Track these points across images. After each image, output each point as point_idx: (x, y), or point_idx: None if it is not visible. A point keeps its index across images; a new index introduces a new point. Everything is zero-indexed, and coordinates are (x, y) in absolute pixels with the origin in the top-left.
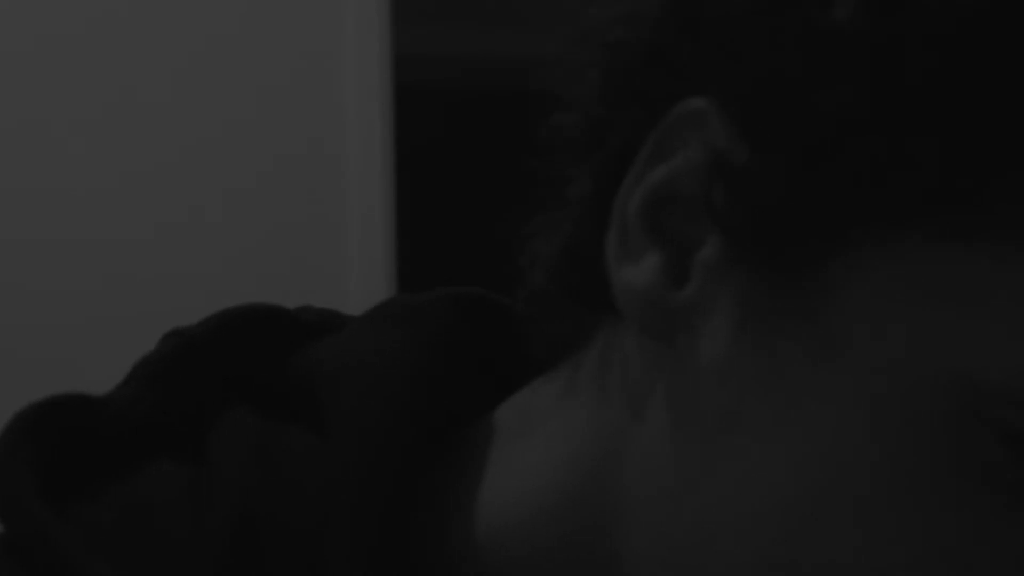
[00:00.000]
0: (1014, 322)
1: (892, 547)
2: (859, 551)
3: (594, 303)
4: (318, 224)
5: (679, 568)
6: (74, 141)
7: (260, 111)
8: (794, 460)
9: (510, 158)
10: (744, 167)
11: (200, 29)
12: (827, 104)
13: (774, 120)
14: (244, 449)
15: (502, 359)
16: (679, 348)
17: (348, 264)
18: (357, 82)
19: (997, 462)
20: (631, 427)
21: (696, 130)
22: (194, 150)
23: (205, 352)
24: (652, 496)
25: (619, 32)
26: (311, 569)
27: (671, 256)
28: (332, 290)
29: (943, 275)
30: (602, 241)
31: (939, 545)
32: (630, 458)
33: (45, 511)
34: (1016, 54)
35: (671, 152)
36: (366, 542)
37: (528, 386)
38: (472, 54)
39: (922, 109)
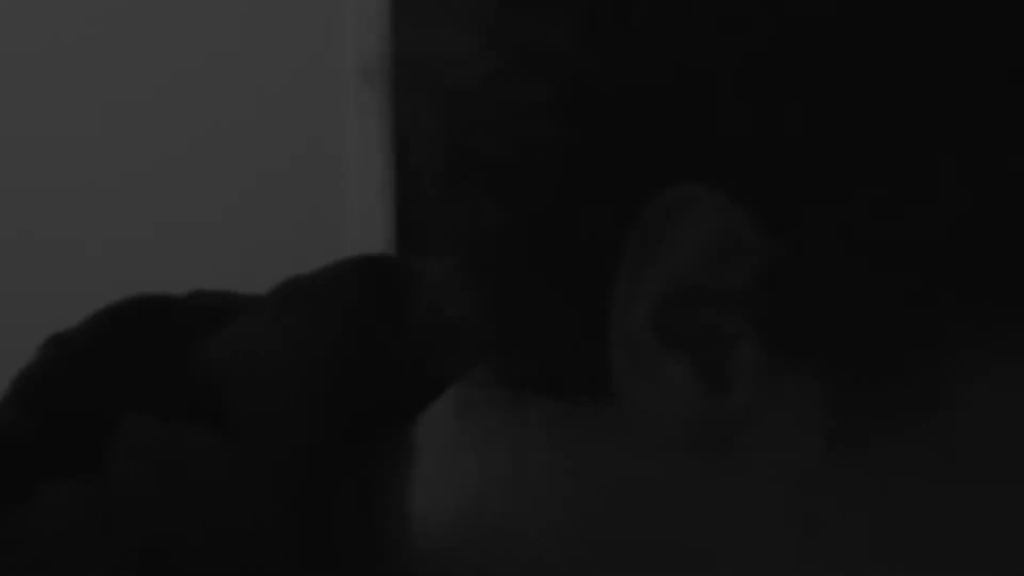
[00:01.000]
0: None
1: None
2: None
3: (533, 390)
4: (318, 224)
5: None
6: (73, 140)
7: (260, 111)
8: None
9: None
10: (769, 257)
11: (200, 29)
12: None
13: (801, 198)
14: (143, 462)
15: (413, 336)
16: (734, 459)
17: None
18: (357, 82)
19: None
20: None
21: (688, 220)
22: (194, 150)
23: (91, 358)
24: None
25: (537, 120)
26: None
27: (699, 363)
28: None
29: None
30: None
31: None
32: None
33: None
34: None
35: (664, 247)
36: (283, 554)
37: (446, 405)
38: None
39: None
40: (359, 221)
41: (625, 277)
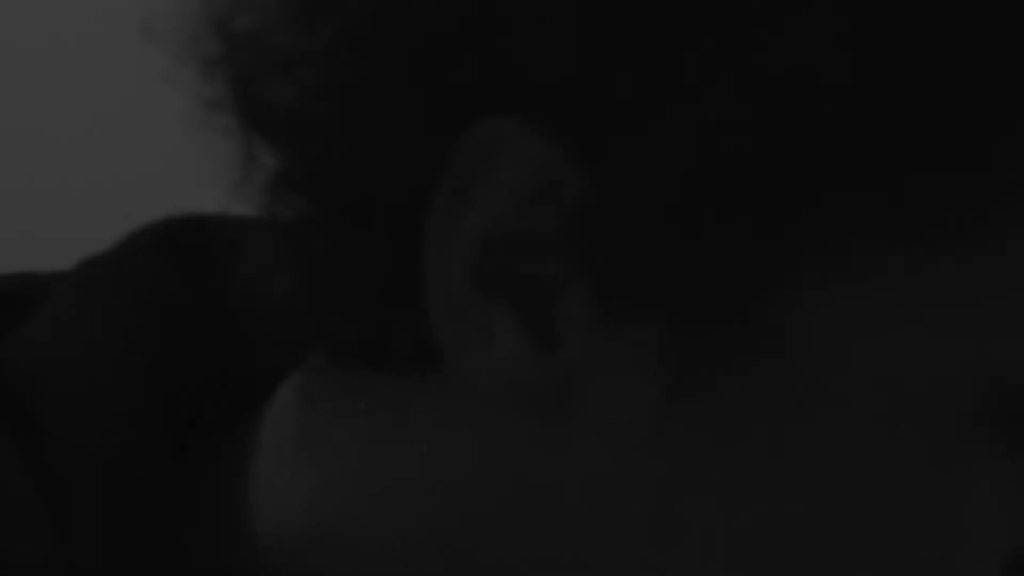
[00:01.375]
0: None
1: (912, 544)
2: (867, 558)
3: (361, 361)
4: None
5: None
6: (73, 140)
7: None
8: (795, 496)
9: None
10: (588, 199)
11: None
12: (704, 113)
13: (619, 132)
14: None
15: (217, 321)
16: (572, 420)
17: None
18: None
19: (1000, 458)
20: (508, 501)
21: (499, 158)
22: (193, 150)
23: None
24: None
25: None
26: None
27: (524, 316)
28: None
29: (939, 284)
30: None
31: (941, 533)
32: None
33: None
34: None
35: (473, 192)
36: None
37: (286, 396)
38: None
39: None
40: None
41: (436, 225)
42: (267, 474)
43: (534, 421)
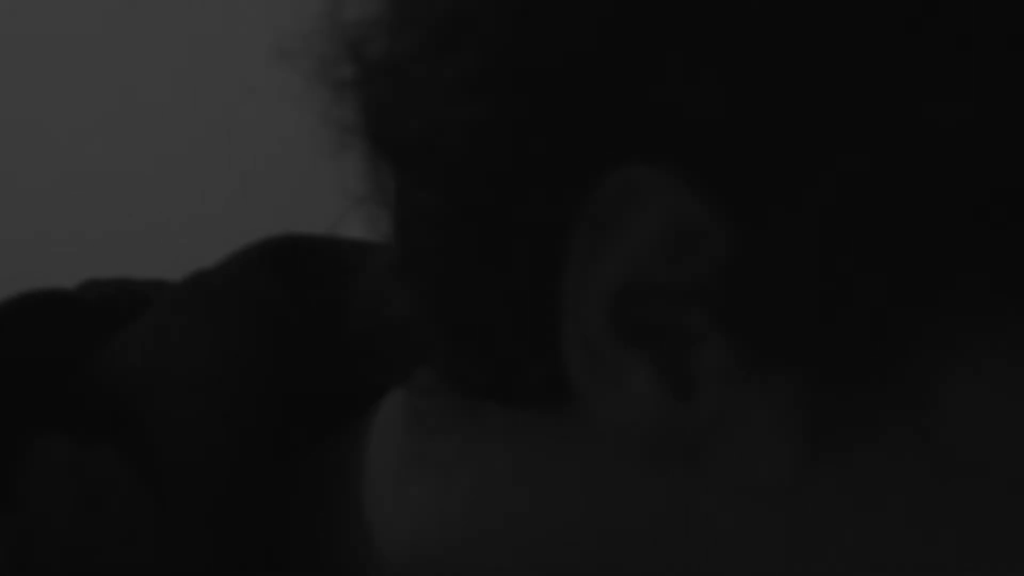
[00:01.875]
0: None
1: None
2: None
3: (485, 395)
4: (318, 224)
5: None
6: (72, 138)
7: (260, 111)
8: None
9: None
10: (731, 252)
11: (200, 29)
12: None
13: (768, 187)
14: (62, 493)
15: (329, 325)
16: (698, 469)
17: None
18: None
19: None
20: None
21: (640, 206)
22: (193, 150)
23: None
24: None
25: (470, 98)
26: None
27: (662, 364)
28: None
29: None
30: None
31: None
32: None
33: None
34: None
35: (613, 240)
36: None
37: (392, 413)
38: None
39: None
40: (359, 221)
41: (575, 271)
42: (373, 492)
43: (657, 468)
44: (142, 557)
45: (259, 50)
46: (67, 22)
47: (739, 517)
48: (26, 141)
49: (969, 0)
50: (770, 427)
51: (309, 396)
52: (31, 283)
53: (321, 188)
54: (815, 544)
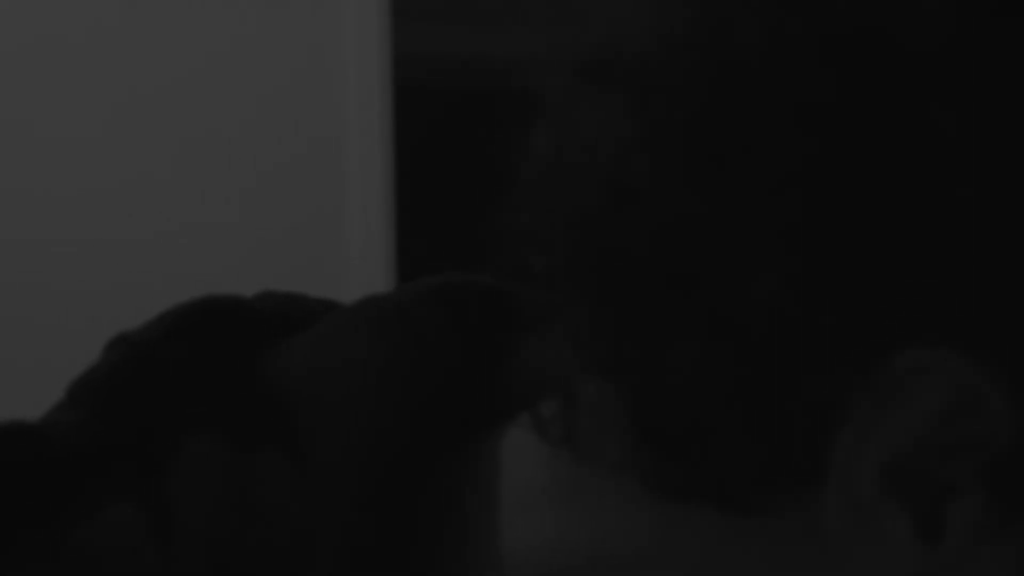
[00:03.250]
0: None
1: None
2: None
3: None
4: (318, 224)
5: None
6: (73, 141)
7: (260, 111)
8: None
9: (509, 158)
10: (1011, 418)
11: (200, 29)
12: None
13: None
14: (211, 494)
15: (484, 366)
16: None
17: (348, 264)
18: (357, 82)
19: None
20: None
21: (930, 381)
22: (194, 150)
23: (160, 361)
24: None
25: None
26: None
27: (917, 513)
28: (332, 290)
29: None
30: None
31: None
32: None
33: None
34: None
35: (900, 409)
36: None
37: (533, 437)
38: (472, 54)
39: None
40: (359, 221)
41: (852, 431)
42: (514, 520)
43: None
44: (280, 566)
45: (260, 52)
46: (68, 25)
47: None
48: (26, 142)
49: None
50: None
51: (451, 425)
52: (31, 283)
53: (321, 190)
54: None
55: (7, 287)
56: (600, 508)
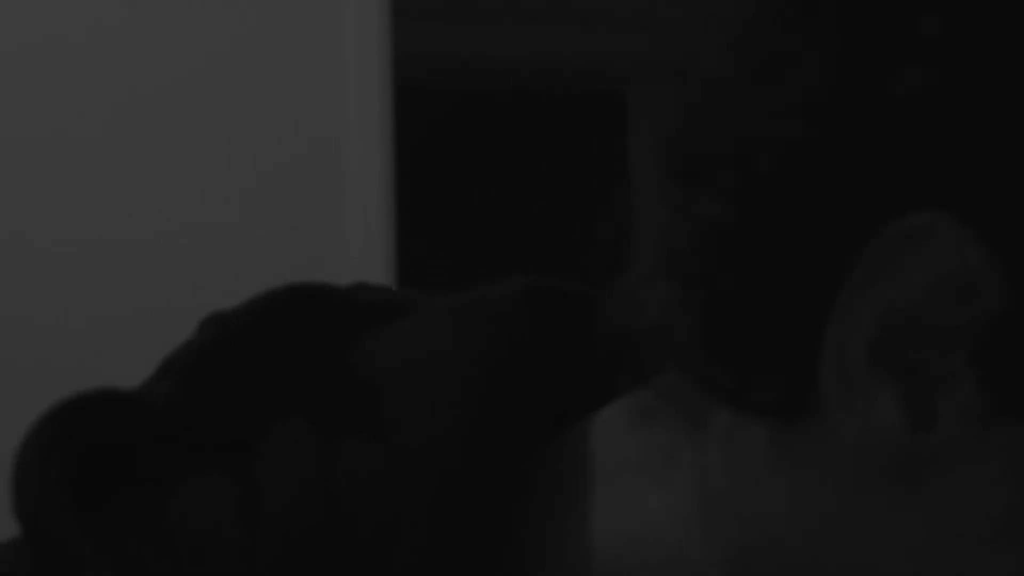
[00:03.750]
0: None
1: None
2: None
3: (729, 399)
4: (318, 224)
5: None
6: (73, 141)
7: (260, 111)
8: None
9: (510, 158)
10: (1006, 300)
11: (200, 29)
12: None
13: None
14: (298, 475)
15: (569, 364)
16: (921, 492)
17: (348, 264)
18: (357, 82)
19: None
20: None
21: (926, 250)
22: (193, 150)
23: (251, 342)
24: None
25: (792, 124)
26: None
27: (908, 394)
28: None
29: None
30: (750, 346)
31: None
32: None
33: (84, 542)
34: None
35: (893, 276)
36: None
37: (620, 416)
38: (472, 54)
39: None
40: (359, 221)
41: (848, 298)
42: (589, 492)
43: (884, 485)
44: (362, 549)
45: (260, 52)
46: (68, 25)
47: (942, 540)
48: (26, 142)
49: None
50: (998, 470)
51: (537, 409)
52: (31, 283)
53: (321, 190)
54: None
55: (7, 287)
56: (694, 479)
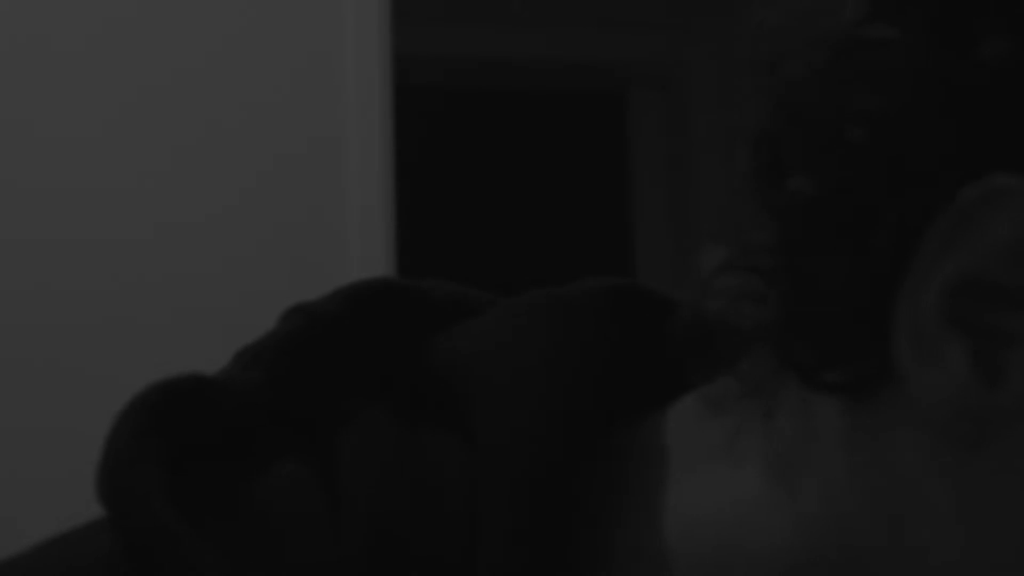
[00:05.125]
0: None
1: None
2: None
3: (808, 377)
4: (318, 224)
5: None
6: (73, 140)
7: (260, 111)
8: None
9: (510, 158)
10: None
11: (200, 29)
12: None
13: None
14: (380, 461)
15: (648, 363)
16: (983, 455)
17: (348, 264)
18: (357, 82)
19: None
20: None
21: (1002, 212)
22: (193, 150)
23: (334, 333)
24: None
25: (884, 95)
26: None
27: (979, 353)
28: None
29: None
30: (832, 318)
31: None
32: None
33: (180, 523)
34: None
35: (969, 237)
36: (517, 569)
37: (693, 405)
38: (472, 54)
39: None
40: (359, 221)
41: (923, 258)
42: (668, 478)
43: (952, 448)
44: (445, 536)
45: (260, 52)
46: (68, 25)
47: (1005, 503)
48: (26, 142)
49: None
50: None
51: (616, 405)
52: (31, 283)
53: (321, 190)
54: None
55: (7, 287)
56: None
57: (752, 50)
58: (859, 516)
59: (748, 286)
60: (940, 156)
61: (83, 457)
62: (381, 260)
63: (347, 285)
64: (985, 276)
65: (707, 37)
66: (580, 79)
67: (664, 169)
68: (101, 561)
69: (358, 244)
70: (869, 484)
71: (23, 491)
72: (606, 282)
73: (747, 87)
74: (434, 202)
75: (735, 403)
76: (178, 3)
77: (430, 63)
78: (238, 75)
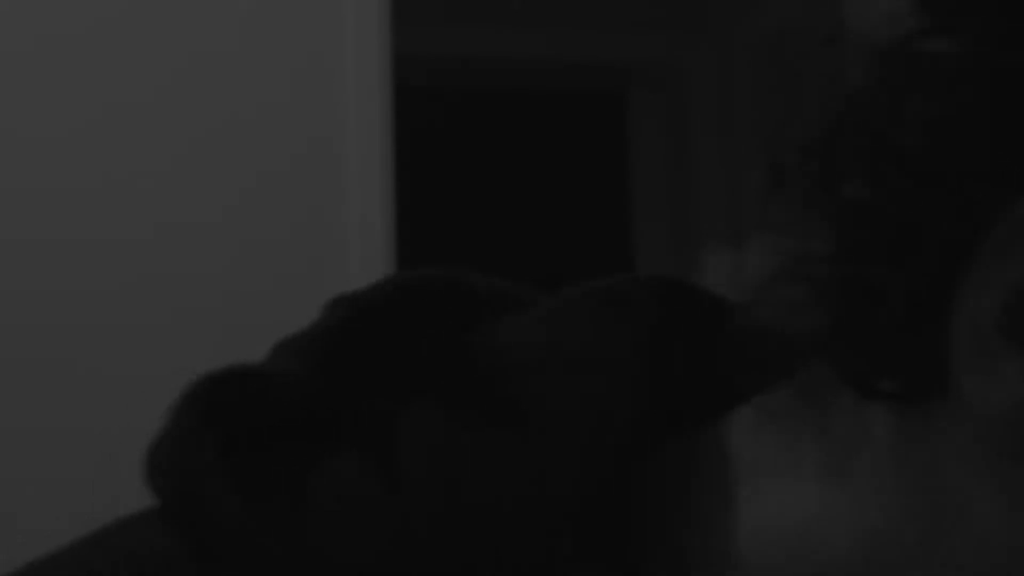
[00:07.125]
0: None
1: None
2: None
3: (862, 385)
4: (318, 224)
5: None
6: (72, 140)
7: (260, 111)
8: None
9: (509, 158)
10: None
11: (199, 29)
12: None
13: None
14: (440, 455)
15: (696, 359)
16: None
17: (348, 264)
18: (357, 82)
19: None
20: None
21: None
22: (193, 150)
23: (381, 325)
24: None
25: (940, 101)
26: None
27: None
28: (332, 290)
29: None
30: (889, 329)
31: None
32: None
33: (245, 511)
34: None
35: (1020, 248)
36: (579, 563)
37: (751, 415)
38: (472, 54)
39: None
40: (359, 221)
41: (980, 268)
42: (740, 488)
43: (1003, 460)
44: (504, 533)
45: (260, 52)
46: (68, 25)
47: None
48: (25, 142)
49: None
50: None
51: (676, 403)
52: (31, 283)
53: (321, 190)
54: None
55: (7, 287)
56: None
57: (803, 57)
58: (908, 526)
59: (798, 294)
60: (997, 164)
61: (83, 457)
62: (381, 260)
63: (392, 275)
64: None
65: (707, 37)
66: (580, 79)
67: (664, 169)
68: (159, 554)
69: (358, 244)
70: (919, 494)
71: (23, 491)
72: (657, 278)
73: (792, 93)
74: (434, 202)
75: (791, 414)
76: (178, 3)
77: (430, 63)
78: (238, 75)
